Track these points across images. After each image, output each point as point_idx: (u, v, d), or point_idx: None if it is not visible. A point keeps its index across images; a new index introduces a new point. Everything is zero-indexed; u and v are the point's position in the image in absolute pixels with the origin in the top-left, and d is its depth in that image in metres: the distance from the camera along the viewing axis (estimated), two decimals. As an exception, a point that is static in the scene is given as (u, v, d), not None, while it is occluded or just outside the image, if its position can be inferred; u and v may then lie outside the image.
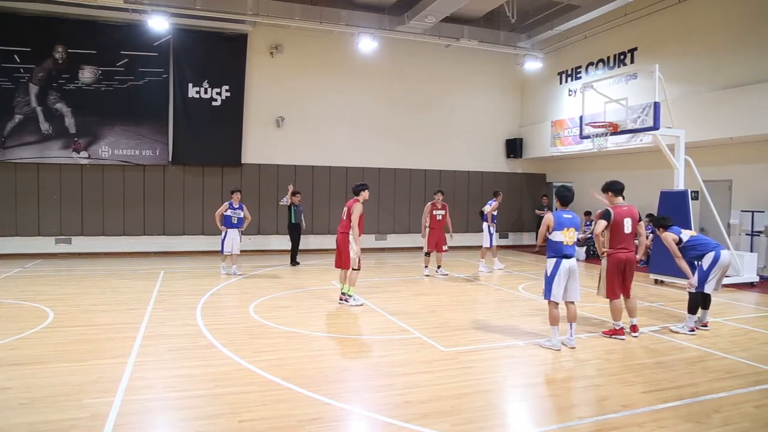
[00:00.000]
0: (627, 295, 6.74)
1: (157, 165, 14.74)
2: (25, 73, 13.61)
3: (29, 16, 13.47)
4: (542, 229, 6.21)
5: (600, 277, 6.81)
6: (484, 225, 12.58)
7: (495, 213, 12.64)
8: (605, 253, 6.68)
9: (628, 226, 6.61)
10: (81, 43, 13.89)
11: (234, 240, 11.32)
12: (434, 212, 11.60)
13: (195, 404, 4.45)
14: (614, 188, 6.82)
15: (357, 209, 8.22)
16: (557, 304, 6.21)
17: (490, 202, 12.67)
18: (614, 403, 4.58)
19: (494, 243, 12.55)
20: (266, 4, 13.88)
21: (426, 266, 11.82)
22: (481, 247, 12.88)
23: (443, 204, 11.68)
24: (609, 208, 6.64)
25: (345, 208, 8.40)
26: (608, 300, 6.72)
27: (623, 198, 6.87)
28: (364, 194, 8.42)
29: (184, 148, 14.86)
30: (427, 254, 11.80)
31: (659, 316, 7.94)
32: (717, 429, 4.13)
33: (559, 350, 6.09)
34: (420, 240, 12.04)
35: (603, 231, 6.61)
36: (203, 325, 7.04)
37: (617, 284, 6.62)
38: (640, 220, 6.93)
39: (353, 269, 8.29)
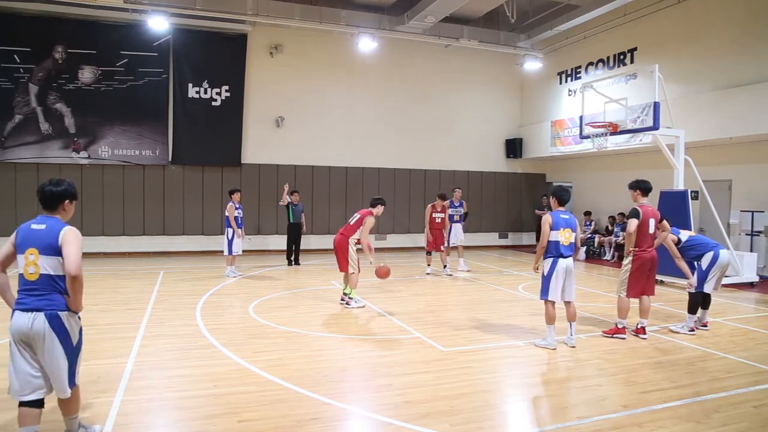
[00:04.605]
0: (651, 293, 6.72)
1: (157, 165, 14.75)
2: (24, 73, 13.60)
3: (29, 16, 13.46)
4: (545, 228, 6.20)
5: (621, 276, 6.74)
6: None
7: (449, 211, 12.27)
8: (631, 252, 6.61)
9: (651, 226, 6.60)
10: (81, 43, 13.89)
11: (240, 240, 11.33)
12: (434, 215, 11.72)
13: (195, 404, 4.45)
14: (642, 187, 6.75)
15: (369, 222, 8.20)
16: (554, 303, 6.20)
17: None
18: (614, 403, 4.58)
19: (452, 242, 12.26)
20: (266, 4, 13.88)
21: (428, 265, 11.91)
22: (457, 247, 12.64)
23: (443, 207, 11.77)
24: (637, 207, 6.59)
25: (357, 215, 8.37)
26: (618, 297, 6.69)
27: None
28: (379, 209, 8.40)
29: (184, 148, 14.86)
30: (429, 254, 11.89)
31: (659, 316, 7.93)
32: (717, 429, 4.13)
33: (554, 349, 6.09)
34: (421, 240, 12.07)
35: (635, 229, 6.49)
36: (203, 325, 7.04)
37: (641, 283, 6.60)
38: (662, 220, 6.85)
39: (352, 272, 8.29)
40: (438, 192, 12.09)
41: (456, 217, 12.37)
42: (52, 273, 3.38)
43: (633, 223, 6.50)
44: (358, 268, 8.33)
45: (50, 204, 3.54)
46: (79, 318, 3.55)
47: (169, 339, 6.42)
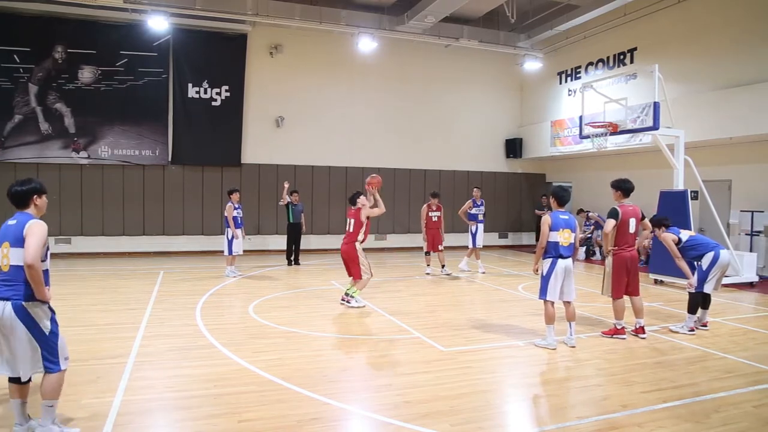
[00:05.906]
0: (636, 293, 6.71)
1: (157, 165, 14.74)
2: (24, 73, 13.59)
3: (29, 16, 13.46)
4: (545, 228, 6.20)
5: (605, 276, 6.80)
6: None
7: (472, 211, 12.23)
8: (610, 252, 6.65)
9: (632, 225, 6.61)
10: (81, 43, 13.88)
11: (240, 240, 11.33)
12: (430, 213, 11.71)
13: (195, 404, 4.45)
14: (624, 188, 6.74)
15: (366, 210, 8.27)
16: (553, 303, 6.21)
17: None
18: (614, 403, 4.58)
19: (477, 244, 12.21)
20: (266, 4, 13.88)
21: (428, 265, 11.92)
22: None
23: (438, 206, 11.76)
24: (617, 207, 6.60)
25: (350, 219, 8.38)
26: (611, 299, 6.71)
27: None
28: (362, 200, 8.43)
29: (184, 148, 14.86)
30: (428, 254, 11.89)
31: (659, 316, 7.94)
32: (716, 429, 4.13)
33: (554, 349, 6.09)
34: (420, 240, 12.08)
35: (612, 229, 6.54)
36: (203, 325, 7.04)
37: (623, 283, 6.61)
38: (643, 218, 6.87)
39: (366, 276, 8.30)
40: (431, 191, 12.07)
41: (480, 217, 12.28)
42: (19, 264, 3.60)
43: (610, 224, 6.55)
44: (371, 271, 8.38)
45: (20, 202, 3.80)
46: (50, 308, 3.74)
47: (169, 339, 6.41)
